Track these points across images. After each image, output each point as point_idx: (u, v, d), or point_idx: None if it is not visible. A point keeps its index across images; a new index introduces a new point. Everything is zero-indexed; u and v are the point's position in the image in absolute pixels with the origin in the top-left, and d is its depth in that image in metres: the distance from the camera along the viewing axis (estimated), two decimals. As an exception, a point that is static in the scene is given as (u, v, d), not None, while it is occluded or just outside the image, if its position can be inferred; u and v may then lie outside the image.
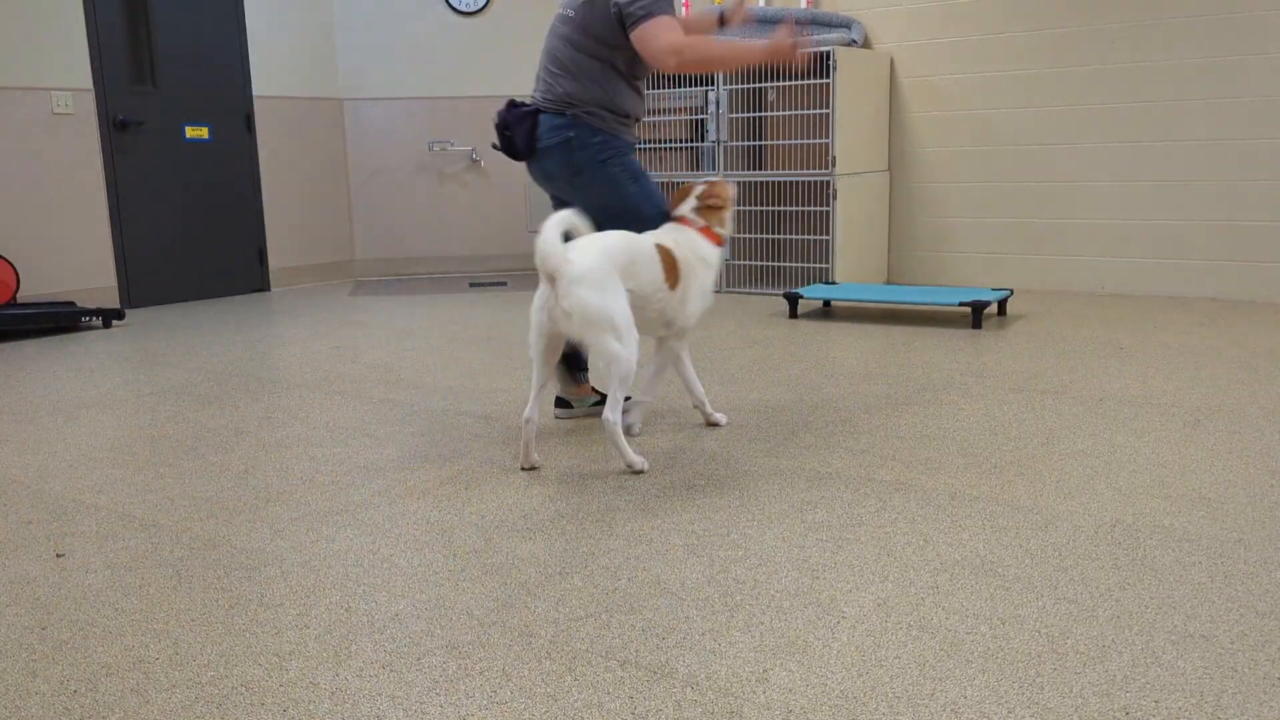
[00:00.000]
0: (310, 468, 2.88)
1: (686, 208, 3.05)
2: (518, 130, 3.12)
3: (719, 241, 3.06)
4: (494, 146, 3.27)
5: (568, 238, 2.78)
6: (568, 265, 2.67)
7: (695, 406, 3.24)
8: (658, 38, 2.91)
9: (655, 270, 2.88)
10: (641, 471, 2.78)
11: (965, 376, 3.75)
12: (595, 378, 3.50)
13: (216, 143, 6.45)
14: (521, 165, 7.35)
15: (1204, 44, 5.20)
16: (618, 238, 2.83)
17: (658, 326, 3.00)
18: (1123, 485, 2.55)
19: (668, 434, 3.11)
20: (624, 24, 2.96)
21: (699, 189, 3.07)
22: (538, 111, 3.12)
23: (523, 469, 2.83)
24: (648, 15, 2.91)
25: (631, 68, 3.09)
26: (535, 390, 2.81)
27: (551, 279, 2.68)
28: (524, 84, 7.21)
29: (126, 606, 2.01)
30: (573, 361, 3.31)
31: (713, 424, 3.22)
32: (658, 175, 6.32)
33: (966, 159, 5.94)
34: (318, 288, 6.92)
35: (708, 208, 3.04)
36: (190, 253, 6.38)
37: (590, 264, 2.69)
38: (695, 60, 2.96)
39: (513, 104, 3.16)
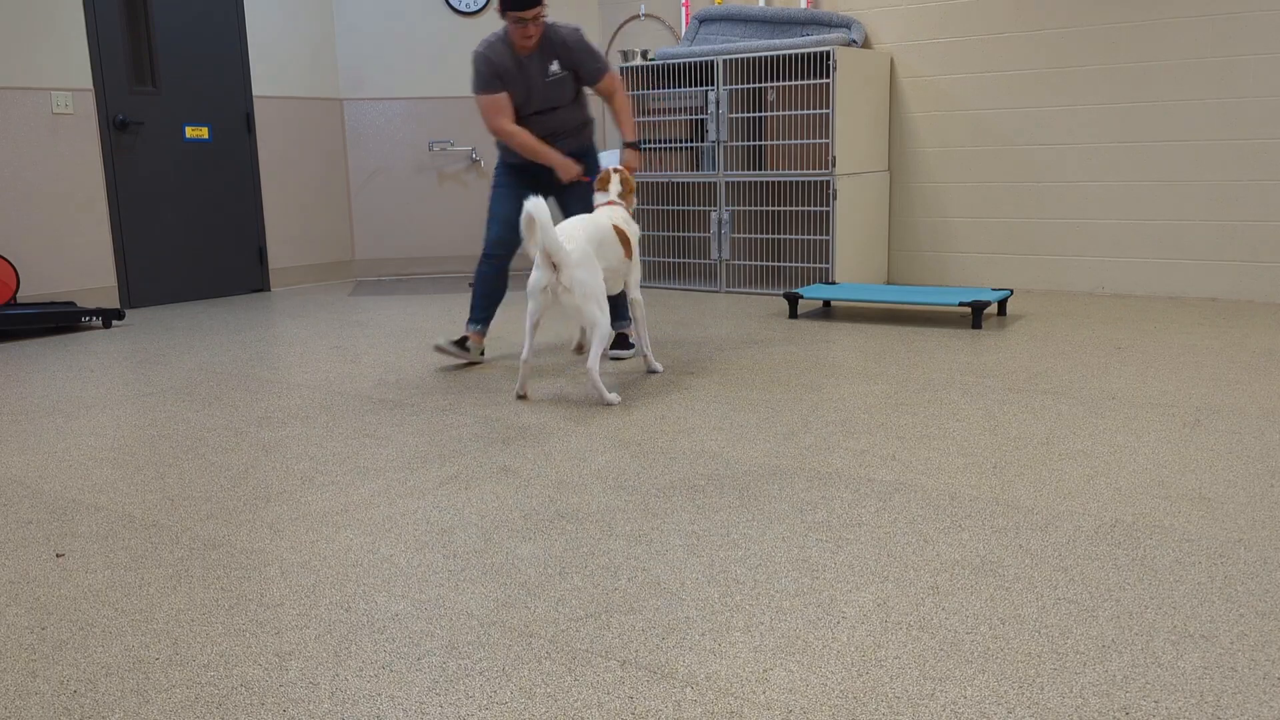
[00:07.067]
0: (310, 468, 2.88)
1: (614, 191, 3.81)
2: None
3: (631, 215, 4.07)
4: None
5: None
6: (566, 253, 3.31)
7: (643, 355, 3.94)
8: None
9: (617, 248, 3.64)
10: (614, 405, 3.42)
11: (965, 376, 3.75)
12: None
13: (216, 143, 6.45)
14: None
15: (1204, 44, 5.20)
16: (590, 223, 3.50)
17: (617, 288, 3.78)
18: (1123, 485, 2.55)
19: (669, 435, 3.11)
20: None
21: (616, 175, 3.83)
22: None
23: (519, 397, 3.57)
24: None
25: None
26: (528, 351, 3.53)
27: (554, 264, 3.32)
28: (524, 84, 7.20)
29: (126, 606, 2.01)
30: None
31: (651, 371, 3.90)
32: (659, 175, 6.33)
33: (966, 159, 5.94)
34: (318, 288, 6.92)
35: (627, 190, 3.83)
36: (190, 253, 6.38)
37: (583, 249, 3.38)
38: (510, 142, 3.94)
39: None
